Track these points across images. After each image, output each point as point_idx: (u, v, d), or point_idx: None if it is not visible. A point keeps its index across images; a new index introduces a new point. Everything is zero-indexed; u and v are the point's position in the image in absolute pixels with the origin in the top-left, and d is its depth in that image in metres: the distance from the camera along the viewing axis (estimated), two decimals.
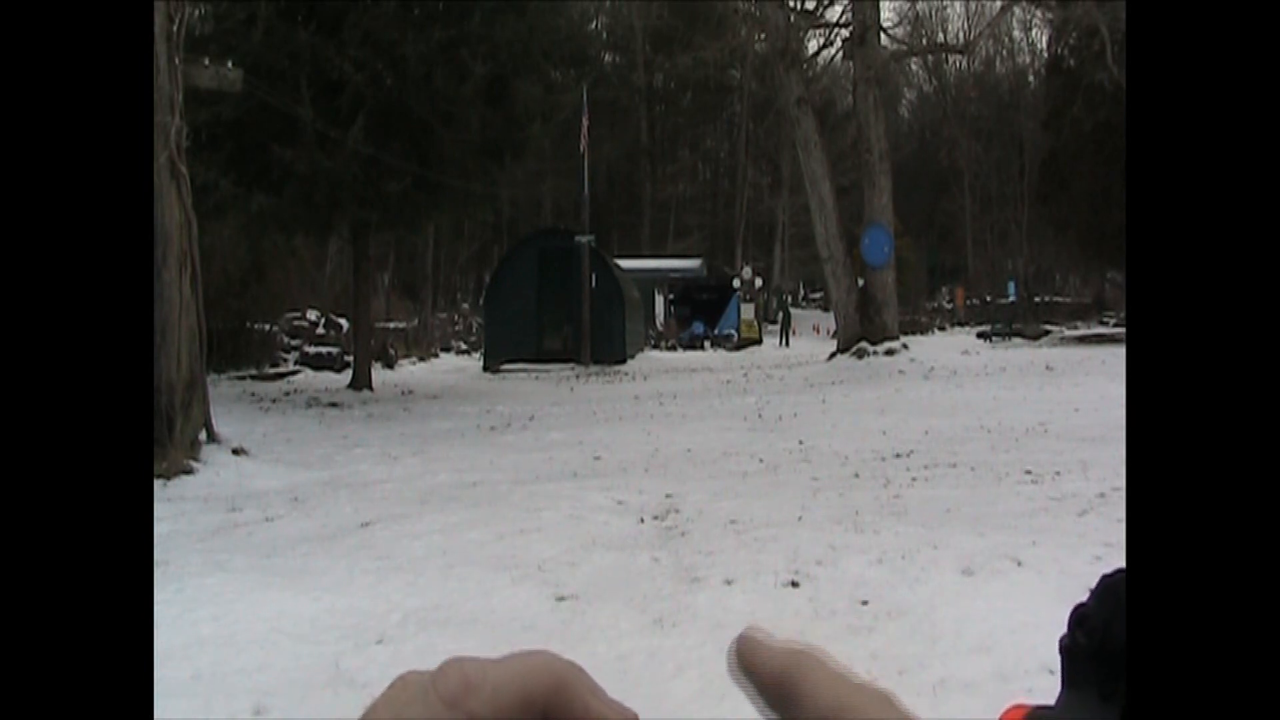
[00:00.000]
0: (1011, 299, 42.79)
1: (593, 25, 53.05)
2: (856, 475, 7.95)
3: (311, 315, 24.78)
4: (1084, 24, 21.56)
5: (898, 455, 8.92)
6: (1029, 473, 7.62)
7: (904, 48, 19.76)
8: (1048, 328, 36.20)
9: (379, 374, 19.62)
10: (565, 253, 24.85)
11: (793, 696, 0.35)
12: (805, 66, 20.66)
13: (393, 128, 15.86)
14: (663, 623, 4.40)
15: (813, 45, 33.64)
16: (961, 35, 38.74)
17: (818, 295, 54.55)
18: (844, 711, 0.33)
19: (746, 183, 48.46)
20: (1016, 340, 33.23)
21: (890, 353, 20.23)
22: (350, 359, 19.87)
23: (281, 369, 21.30)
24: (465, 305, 42.24)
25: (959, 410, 12.23)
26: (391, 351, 23.30)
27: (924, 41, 25.96)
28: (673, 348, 31.97)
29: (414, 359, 24.32)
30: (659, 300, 34.43)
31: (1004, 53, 54.34)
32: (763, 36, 17.64)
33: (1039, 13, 32.13)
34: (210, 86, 11.23)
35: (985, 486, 7.25)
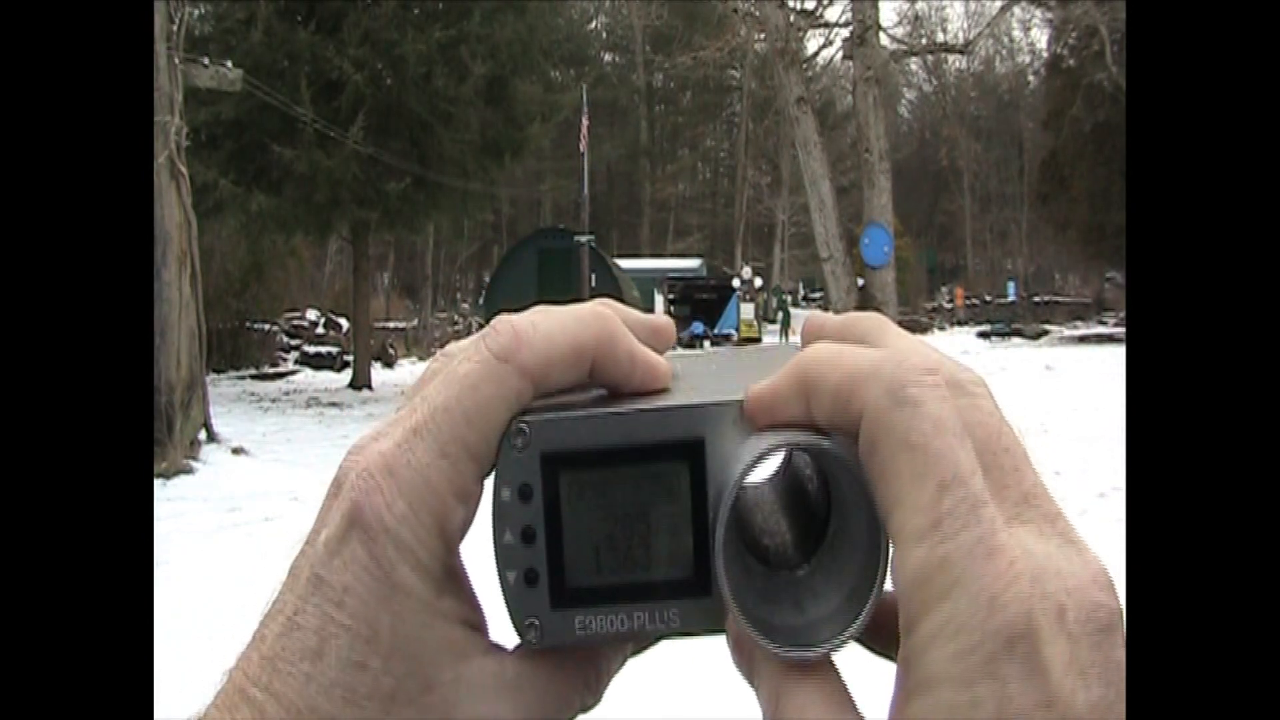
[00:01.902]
0: (1011, 299, 42.80)
1: (592, 25, 53.08)
2: None
3: (311, 315, 24.78)
4: (1084, 24, 21.56)
5: None
6: None
7: (904, 47, 19.75)
8: (1047, 327, 36.21)
9: (379, 373, 19.62)
10: (565, 252, 24.87)
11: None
12: (805, 66, 20.68)
13: (392, 128, 15.87)
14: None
15: (813, 45, 33.63)
16: (961, 35, 38.75)
17: (818, 295, 54.56)
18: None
19: (746, 183, 48.48)
20: (1016, 340, 33.26)
21: None
22: (350, 358, 19.87)
23: (281, 369, 21.30)
24: (465, 305, 42.23)
25: None
26: (391, 351, 23.32)
27: (924, 41, 25.98)
28: (672, 347, 31.96)
29: (414, 358, 24.34)
30: (659, 300, 34.44)
31: (1004, 53, 54.39)
32: (762, 36, 17.65)
33: (1039, 13, 32.15)
34: (210, 86, 11.23)
35: None
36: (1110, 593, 0.31)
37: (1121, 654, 0.30)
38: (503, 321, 0.38)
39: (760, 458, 0.35)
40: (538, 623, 0.37)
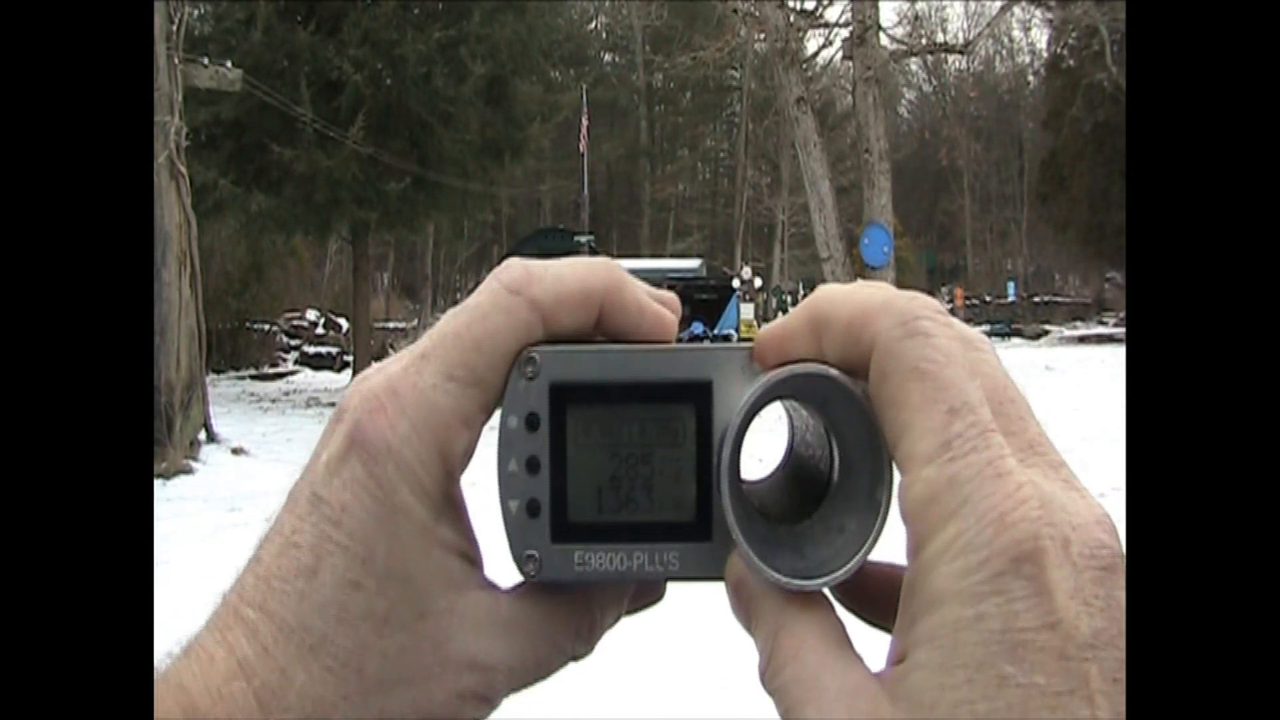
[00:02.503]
0: (1011, 299, 42.78)
1: (592, 25, 53.08)
2: None
3: (311, 315, 24.77)
4: (1084, 24, 21.56)
5: None
6: None
7: (904, 48, 19.74)
8: (1047, 327, 36.21)
9: None
10: (565, 253, 24.82)
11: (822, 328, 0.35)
12: (805, 66, 20.67)
13: (392, 128, 15.86)
14: (660, 614, 4.42)
15: (813, 45, 33.63)
16: (961, 35, 38.74)
17: None
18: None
19: (746, 183, 48.45)
20: (1016, 340, 33.26)
21: None
22: (350, 359, 19.87)
23: (281, 369, 21.30)
24: None
25: None
26: (391, 351, 23.25)
27: (924, 41, 26.00)
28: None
29: None
30: None
31: (1004, 53, 54.38)
32: (762, 36, 17.64)
33: (1039, 13, 32.15)
34: (210, 86, 11.23)
35: None
36: (1113, 535, 0.31)
37: (1123, 595, 0.30)
38: (514, 261, 0.38)
39: (768, 387, 0.35)
40: (537, 555, 0.37)
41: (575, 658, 0.39)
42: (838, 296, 0.35)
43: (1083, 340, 30.83)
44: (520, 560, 0.37)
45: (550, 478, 0.37)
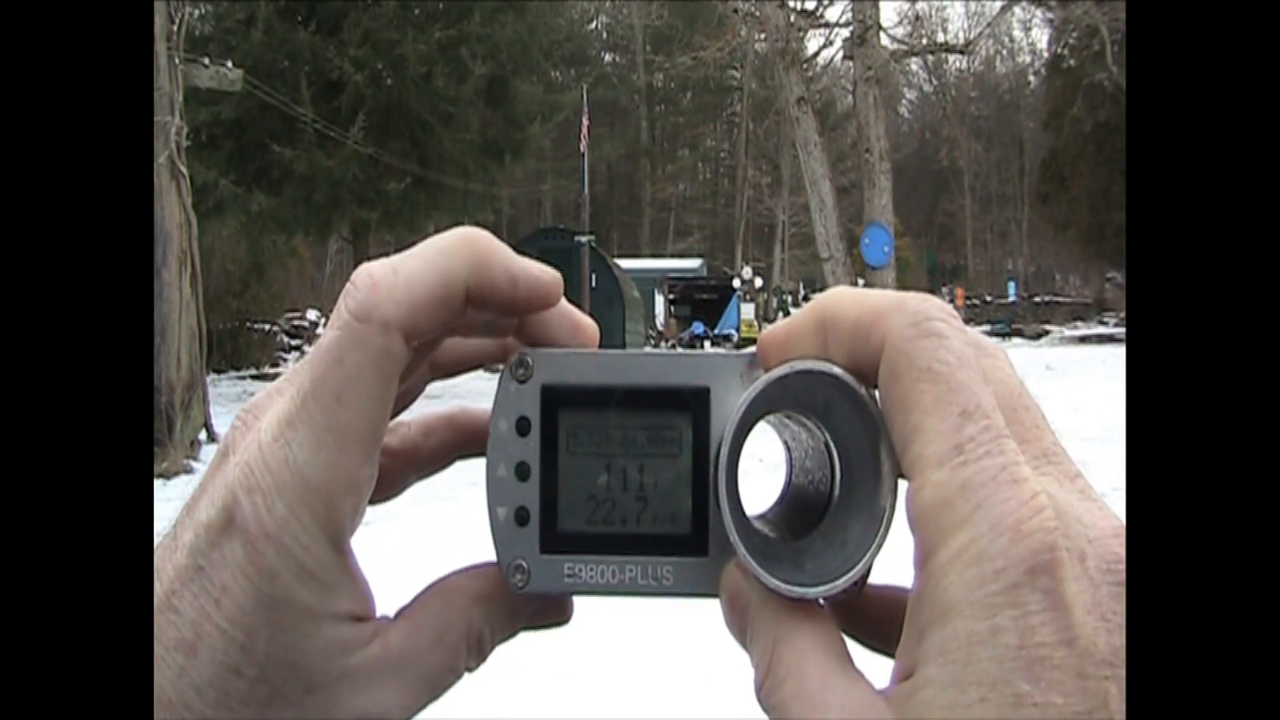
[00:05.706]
0: (1011, 299, 42.77)
1: (592, 25, 53.09)
2: None
3: (311, 315, 24.76)
4: (1084, 24, 21.57)
5: None
6: None
7: (904, 48, 19.74)
8: (1047, 328, 36.21)
9: None
10: (565, 252, 24.83)
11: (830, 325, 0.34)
12: (805, 66, 20.65)
13: (392, 128, 15.87)
14: (659, 620, 4.42)
15: (813, 45, 33.64)
16: (962, 35, 38.72)
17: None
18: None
19: (746, 183, 48.46)
20: (1016, 340, 33.26)
21: None
22: None
23: (282, 369, 21.30)
24: None
25: None
26: None
27: (924, 41, 26.02)
28: (673, 348, 31.96)
29: None
30: (659, 300, 34.45)
31: (1004, 53, 54.40)
32: (762, 36, 17.63)
33: (1039, 13, 32.15)
34: (210, 86, 11.23)
35: None
36: None
37: None
38: (361, 273, 0.35)
39: (768, 384, 0.33)
40: (525, 565, 0.36)
41: (468, 670, 0.37)
42: (847, 297, 0.34)
43: (1083, 340, 30.84)
44: (508, 570, 0.36)
45: (540, 485, 0.36)
